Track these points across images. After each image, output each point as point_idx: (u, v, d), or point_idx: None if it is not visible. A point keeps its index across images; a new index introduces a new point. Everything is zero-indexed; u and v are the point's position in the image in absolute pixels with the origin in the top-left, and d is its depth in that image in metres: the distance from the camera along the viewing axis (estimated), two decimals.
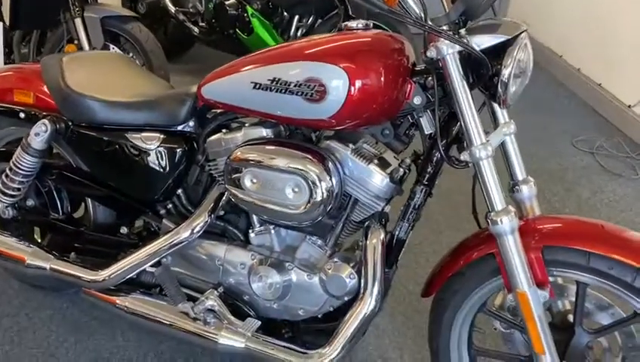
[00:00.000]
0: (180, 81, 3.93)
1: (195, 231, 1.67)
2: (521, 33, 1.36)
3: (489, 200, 1.37)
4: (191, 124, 1.72)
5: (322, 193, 1.45)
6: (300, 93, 1.41)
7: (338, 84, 1.37)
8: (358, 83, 1.37)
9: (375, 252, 1.52)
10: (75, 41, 2.99)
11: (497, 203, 1.37)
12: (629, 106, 3.58)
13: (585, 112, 3.86)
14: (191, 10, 3.81)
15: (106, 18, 2.98)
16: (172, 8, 3.81)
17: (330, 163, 1.48)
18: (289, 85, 1.41)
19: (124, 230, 1.87)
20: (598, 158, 3.29)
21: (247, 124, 1.61)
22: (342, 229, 1.58)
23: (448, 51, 1.32)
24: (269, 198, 1.50)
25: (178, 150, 1.71)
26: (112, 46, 3.05)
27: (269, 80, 1.44)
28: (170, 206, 1.80)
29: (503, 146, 1.56)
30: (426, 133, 1.50)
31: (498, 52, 1.35)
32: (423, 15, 1.33)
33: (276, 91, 1.43)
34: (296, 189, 1.47)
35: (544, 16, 4.61)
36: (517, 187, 1.57)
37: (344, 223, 1.57)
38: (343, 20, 3.30)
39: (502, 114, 1.54)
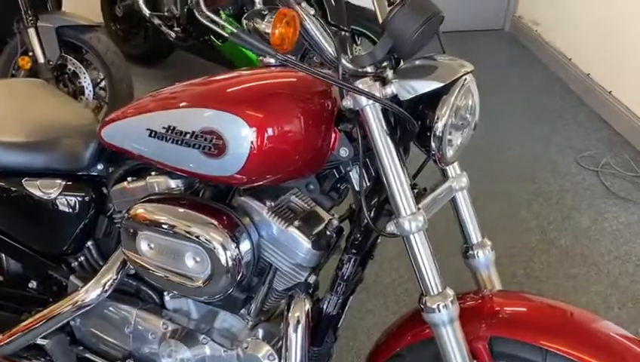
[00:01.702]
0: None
1: (102, 291, 1.45)
2: (462, 75, 1.09)
3: (422, 282, 1.12)
4: (99, 167, 1.49)
5: (227, 264, 1.20)
6: (196, 146, 1.16)
7: (238, 135, 1.13)
8: (263, 134, 1.12)
9: (298, 328, 1.27)
10: (30, 53, 2.78)
11: (433, 285, 1.11)
12: None
13: (593, 123, 3.53)
14: (166, 14, 3.56)
15: (63, 28, 2.76)
16: (147, 12, 3.57)
17: (240, 227, 1.24)
18: (184, 136, 1.17)
19: (32, 284, 1.66)
20: (603, 178, 2.98)
21: (153, 173, 1.37)
22: (265, 298, 1.34)
23: (368, 101, 1.07)
24: (167, 267, 1.27)
25: (84, 198, 1.48)
26: (69, 58, 2.84)
27: (163, 128, 1.20)
28: (82, 259, 1.58)
29: (453, 202, 1.30)
30: (357, 189, 1.24)
31: (433, 99, 1.08)
32: (334, 53, 1.07)
33: (172, 142, 1.20)
34: (197, 259, 1.23)
35: (555, 16, 4.26)
36: (471, 252, 1.30)
37: (267, 292, 1.33)
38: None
39: (451, 166, 1.27)
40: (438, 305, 1.10)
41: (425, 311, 1.11)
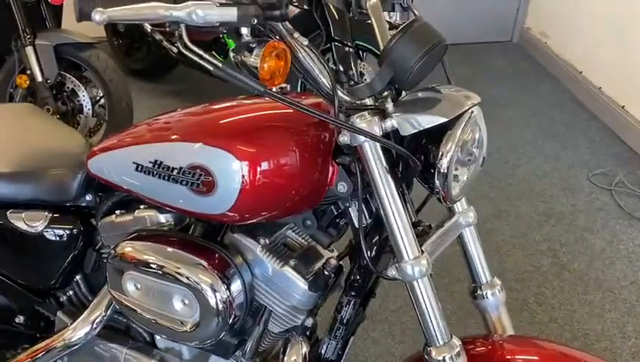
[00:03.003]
0: (162, 104, 3.66)
1: (90, 329, 1.38)
2: (469, 109, 1.01)
3: (426, 332, 1.04)
4: (88, 198, 1.41)
5: (217, 307, 1.13)
6: (184, 183, 1.09)
7: (228, 171, 1.05)
8: (255, 169, 1.05)
9: None
10: (28, 71, 2.73)
11: (438, 335, 1.03)
12: None
13: (605, 139, 3.43)
14: (168, 29, 3.50)
15: (61, 45, 2.71)
16: (148, 27, 3.49)
17: (231, 267, 1.16)
18: (171, 171, 1.10)
19: (19, 319, 1.58)
20: (617, 197, 2.88)
21: (142, 206, 1.30)
22: (260, 339, 1.26)
23: (366, 137, 0.99)
24: (155, 310, 1.19)
25: (71, 231, 1.41)
26: (67, 76, 2.78)
27: (150, 162, 1.13)
28: (70, 293, 1.51)
29: (459, 238, 1.21)
30: (356, 226, 1.16)
31: (437, 133, 1.00)
32: (329, 84, 0.99)
33: (159, 177, 1.12)
34: (186, 301, 1.15)
35: (565, 28, 4.17)
36: (480, 292, 1.21)
37: (261, 333, 1.25)
38: (325, 42, 2.96)
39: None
40: (444, 356, 1.02)
41: None
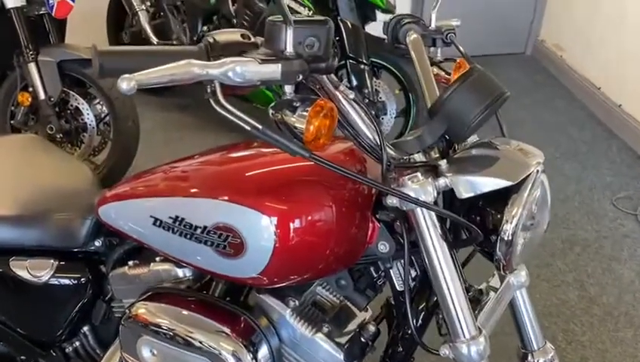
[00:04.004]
0: (168, 118, 3.54)
1: None
2: (534, 169, 0.90)
3: None
4: (97, 243, 1.30)
5: None
6: (209, 244, 0.98)
7: (259, 233, 0.94)
8: (287, 229, 0.94)
9: None
10: (30, 88, 2.61)
11: None
12: None
13: (627, 159, 3.31)
14: (174, 42, 3.40)
15: (65, 61, 2.59)
16: (154, 40, 3.40)
17: (257, 333, 1.05)
18: (194, 230, 0.99)
19: None
20: None
21: (157, 259, 1.18)
22: None
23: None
24: None
25: (79, 280, 1.31)
26: (71, 93, 2.66)
27: (170, 218, 1.02)
28: (77, 344, 1.39)
29: (510, 301, 1.10)
30: (399, 289, 1.04)
31: (497, 195, 0.89)
32: (377, 139, 0.88)
33: (180, 235, 1.01)
34: None
35: (581, 41, 4.06)
36: (531, 359, 1.10)
37: None
38: (340, 59, 2.84)
39: None
40: None
41: None
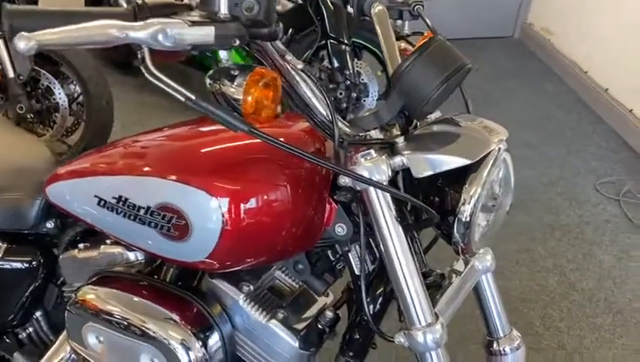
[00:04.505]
0: (144, 100, 3.45)
1: None
2: (495, 147, 0.84)
3: None
4: (49, 225, 1.24)
5: None
6: (153, 225, 0.92)
7: (205, 214, 0.88)
8: (237, 209, 0.88)
9: None
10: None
11: None
12: None
13: (611, 144, 3.27)
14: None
15: None
16: None
17: (208, 320, 0.99)
18: (138, 211, 0.93)
19: None
20: (626, 208, 2.72)
21: (108, 241, 1.13)
22: None
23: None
24: None
25: (30, 263, 1.25)
26: (42, 72, 2.58)
27: (114, 198, 0.96)
28: (30, 330, 1.34)
29: (475, 287, 1.05)
30: (357, 274, 0.99)
31: (456, 174, 0.84)
32: (329, 114, 0.82)
33: (124, 216, 0.95)
34: (155, 360, 0.99)
35: (569, 25, 4.00)
36: (496, 347, 1.05)
37: None
38: (320, 39, 2.77)
39: None
40: None
41: None
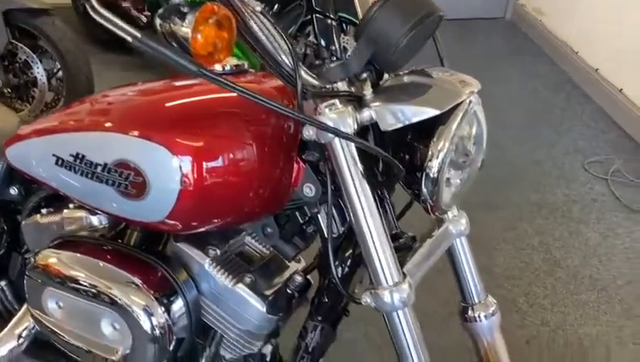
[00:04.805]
0: (127, 77, 3.38)
1: (16, 344, 1.18)
2: (466, 99, 0.81)
3: None
4: (12, 191, 1.20)
5: (152, 333, 0.93)
6: (110, 183, 0.88)
7: (162, 170, 0.84)
8: (198, 167, 0.84)
9: None
10: None
11: None
12: None
13: (601, 123, 3.24)
14: None
15: (12, 11, 2.44)
16: None
17: (171, 284, 0.96)
18: (95, 168, 0.89)
19: None
20: (613, 187, 2.70)
21: (71, 206, 1.09)
22: None
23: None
24: (81, 334, 0.99)
25: None
26: (20, 45, 2.52)
27: (71, 155, 0.92)
28: None
29: (449, 250, 1.02)
30: (326, 236, 0.96)
31: (426, 128, 0.80)
32: (291, 62, 0.78)
33: (81, 174, 0.91)
34: (117, 326, 0.95)
35: (561, 5, 3.95)
36: (471, 313, 1.02)
37: (213, 358, 1.05)
38: (305, 14, 2.71)
39: None
40: None
41: None
